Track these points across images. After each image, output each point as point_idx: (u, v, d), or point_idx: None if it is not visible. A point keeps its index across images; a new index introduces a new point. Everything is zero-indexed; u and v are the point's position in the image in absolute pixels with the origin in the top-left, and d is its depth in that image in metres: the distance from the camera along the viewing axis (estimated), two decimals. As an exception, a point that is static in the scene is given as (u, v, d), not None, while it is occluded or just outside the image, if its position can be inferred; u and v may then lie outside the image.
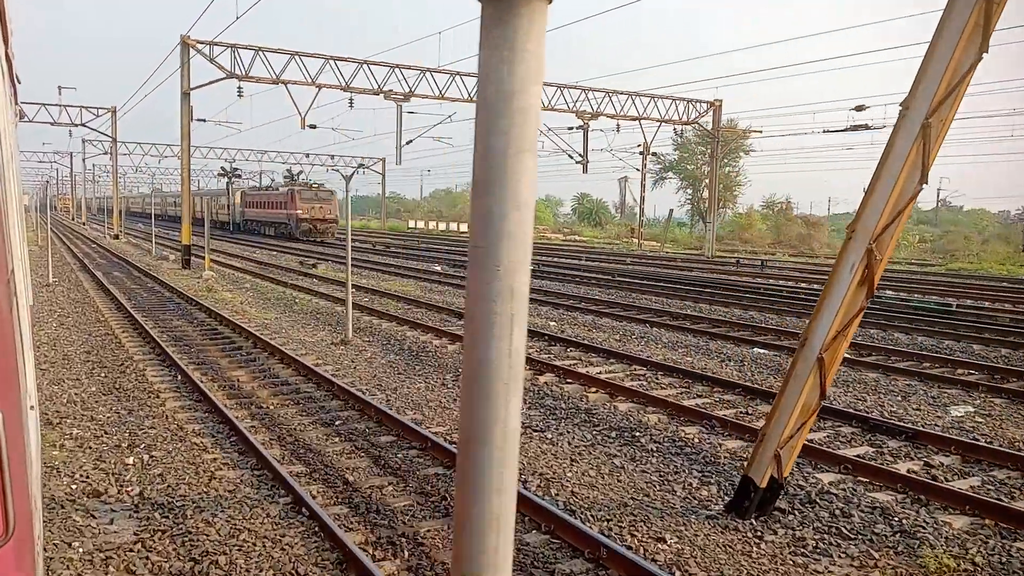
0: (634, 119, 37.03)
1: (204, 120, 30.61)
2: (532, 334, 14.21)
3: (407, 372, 11.52)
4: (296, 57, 29.41)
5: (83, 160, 69.25)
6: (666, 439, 8.02)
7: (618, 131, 37.34)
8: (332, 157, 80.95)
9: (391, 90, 31.26)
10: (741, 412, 9.16)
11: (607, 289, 23.00)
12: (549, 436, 8.24)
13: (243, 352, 12.75)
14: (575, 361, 12.01)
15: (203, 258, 28.36)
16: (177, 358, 11.61)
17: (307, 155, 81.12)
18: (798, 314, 17.75)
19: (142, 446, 7.75)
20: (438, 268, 31.21)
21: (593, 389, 10.10)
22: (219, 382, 10.62)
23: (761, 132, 40.56)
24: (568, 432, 8.38)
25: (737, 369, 11.72)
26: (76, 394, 9.87)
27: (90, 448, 7.69)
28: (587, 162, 36.31)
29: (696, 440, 7.98)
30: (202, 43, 27.97)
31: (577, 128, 35.92)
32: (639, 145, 51.89)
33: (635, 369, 11.45)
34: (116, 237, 48.34)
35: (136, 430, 8.29)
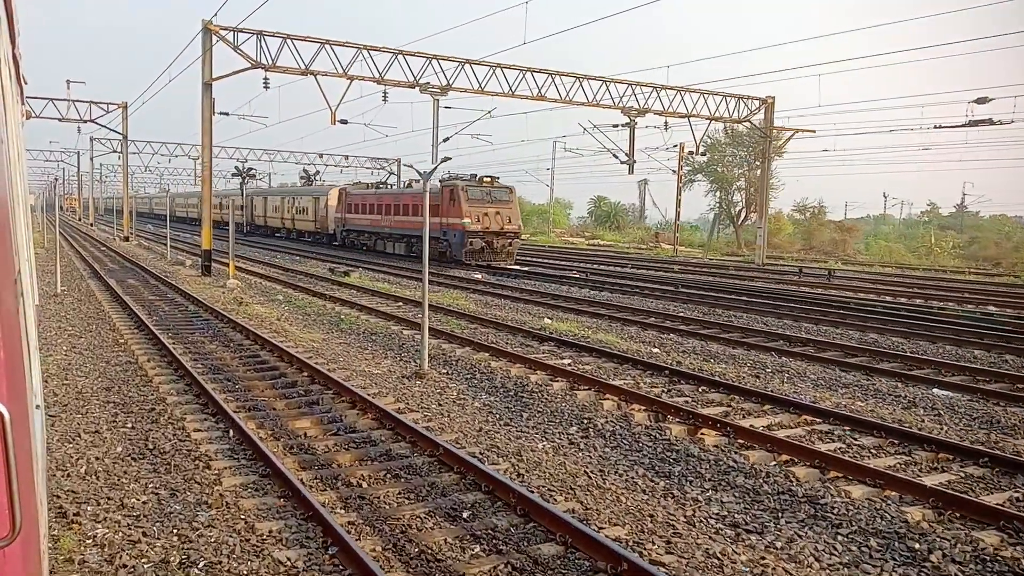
0: (683, 116, 34.48)
1: (227, 114, 28.21)
2: (645, 367, 11.72)
3: (515, 423, 9.02)
4: (327, 46, 26.96)
5: (91, 159, 67.03)
6: (967, 557, 5.48)
7: (667, 128, 34.81)
8: (347, 157, 78.70)
9: (428, 83, 28.80)
10: (1018, 497, 6.63)
11: (684, 304, 20.44)
12: (778, 545, 5.72)
13: (300, 389, 10.26)
14: (724, 408, 9.49)
15: (225, 264, 25.95)
16: (222, 400, 9.14)
17: (320, 155, 78.93)
18: (931, 339, 15.20)
19: (201, 564, 5.25)
20: (478, 276, 28.73)
21: (785, 456, 7.56)
22: (282, 439, 8.13)
23: (815, 132, 37.97)
24: (800, 538, 5.86)
25: (936, 421, 9.17)
26: (96, 458, 7.39)
27: (124, 566, 5.20)
28: (634, 162, 33.79)
29: (1016, 559, 5.44)
30: (226, 29, 25.55)
31: (623, 125, 33.39)
32: (674, 145, 49.50)
33: (812, 422, 8.91)
34: (127, 239, 45.98)
35: (187, 530, 5.79)
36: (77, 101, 44.53)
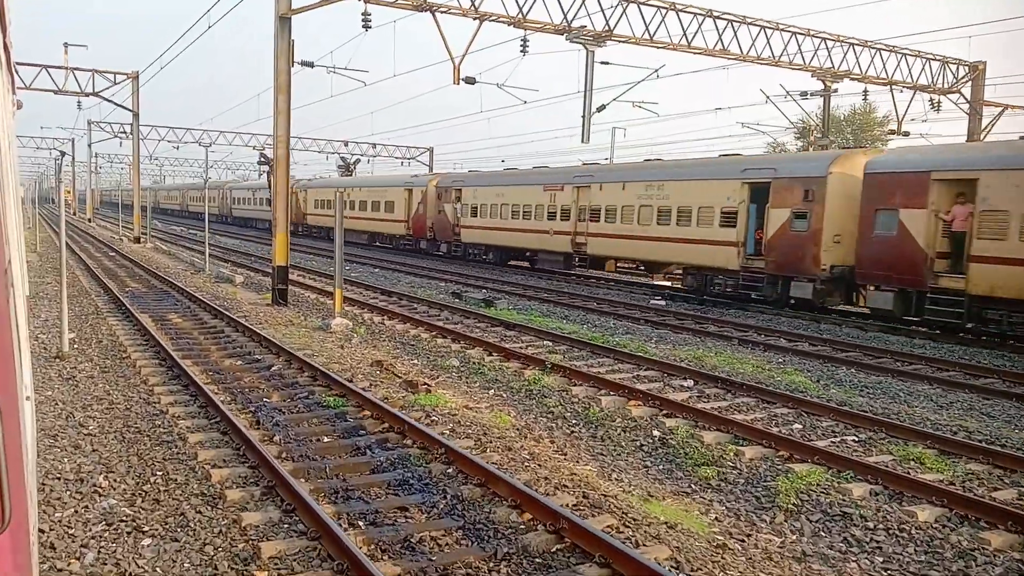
0: (884, 84, 26.12)
1: (312, 65, 19.59)
2: None
3: None
4: (449, -31, 18.51)
5: (88, 145, 58.29)
6: None
7: (865, 98, 26.45)
8: (374, 146, 70.25)
9: (583, 26, 20.34)
10: None
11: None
12: None
13: None
14: None
15: (305, 288, 17.56)
16: None
17: (346, 143, 70.48)
18: None
19: None
20: (660, 302, 20.36)
21: None
22: None
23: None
24: None
25: None
26: None
27: None
28: (830, 142, 25.49)
29: None
30: (310, -63, 17.06)
31: (816, 93, 25.04)
32: (791, 126, 40.78)
33: None
34: (138, 241, 37.43)
35: None
36: (77, 69, 35.97)
